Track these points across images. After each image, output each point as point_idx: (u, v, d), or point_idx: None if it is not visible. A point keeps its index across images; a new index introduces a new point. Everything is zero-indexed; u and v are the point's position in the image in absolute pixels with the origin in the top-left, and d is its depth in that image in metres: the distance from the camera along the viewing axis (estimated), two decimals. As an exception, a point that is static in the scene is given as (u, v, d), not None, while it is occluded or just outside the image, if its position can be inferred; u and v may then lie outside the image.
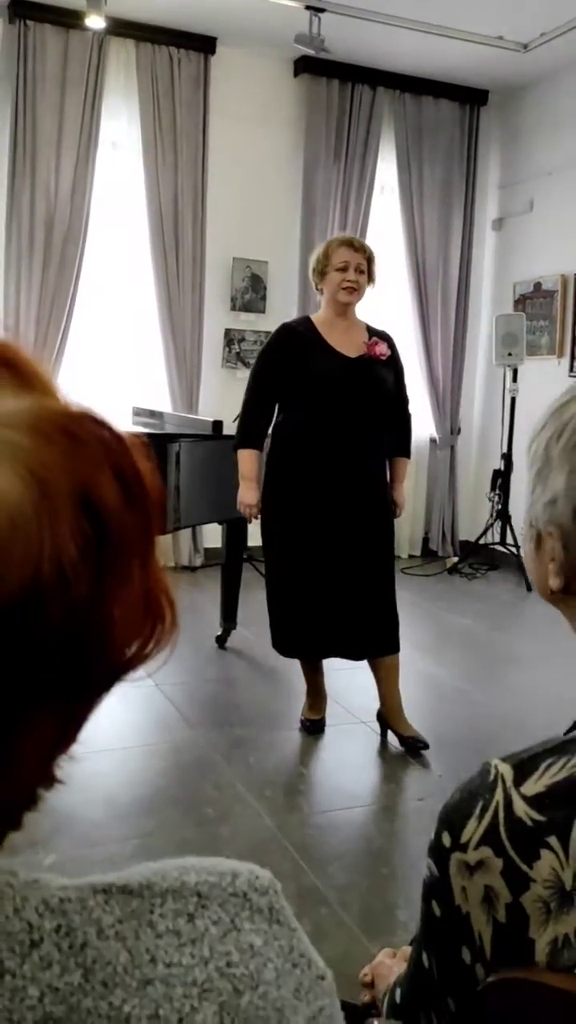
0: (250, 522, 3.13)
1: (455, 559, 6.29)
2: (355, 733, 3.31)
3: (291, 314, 6.03)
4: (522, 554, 0.80)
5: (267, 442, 3.17)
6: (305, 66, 5.81)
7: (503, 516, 6.00)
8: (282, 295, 6.05)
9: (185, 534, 5.78)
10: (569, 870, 0.61)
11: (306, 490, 3.00)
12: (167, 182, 5.58)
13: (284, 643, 3.17)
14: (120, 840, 2.42)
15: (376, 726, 3.30)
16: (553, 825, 0.63)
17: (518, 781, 0.66)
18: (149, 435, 3.58)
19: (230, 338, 6.00)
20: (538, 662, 4.19)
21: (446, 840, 0.68)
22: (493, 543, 6.10)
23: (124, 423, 4.49)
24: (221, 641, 4.21)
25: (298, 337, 3.04)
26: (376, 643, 3.10)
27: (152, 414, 4.54)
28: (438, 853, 0.68)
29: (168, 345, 5.71)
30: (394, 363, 3.13)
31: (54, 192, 5.31)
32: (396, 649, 3.12)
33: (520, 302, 6.30)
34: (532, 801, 0.64)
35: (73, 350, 5.50)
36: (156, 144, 5.54)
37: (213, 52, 5.62)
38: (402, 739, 3.14)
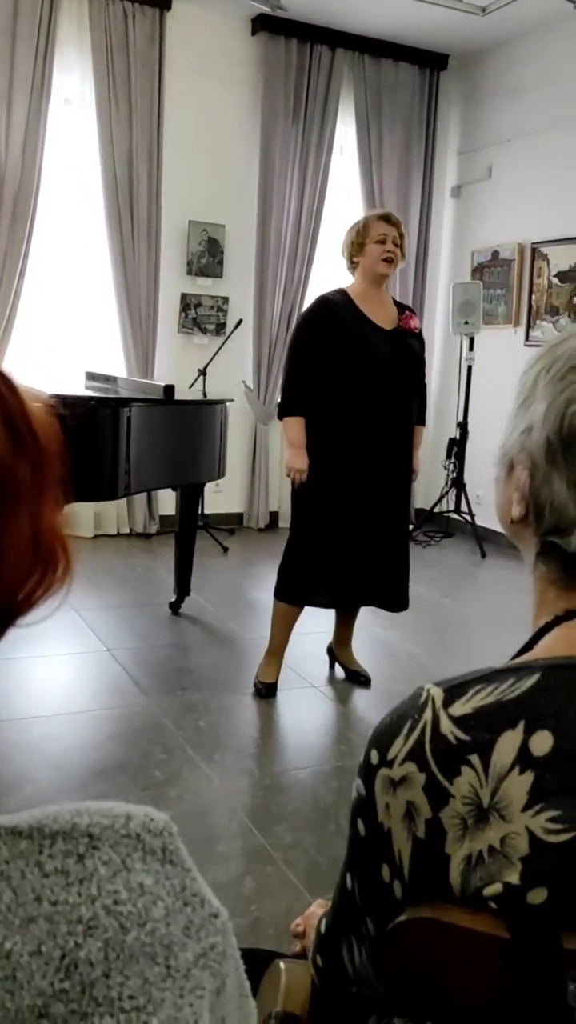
0: (296, 487, 3.22)
1: (410, 526, 6.34)
2: (307, 697, 3.35)
3: (248, 279, 6.00)
4: (494, 480, 0.82)
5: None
6: (263, 24, 5.70)
7: (458, 484, 6.05)
8: (240, 260, 5.98)
9: (140, 501, 5.74)
10: (487, 789, 0.63)
11: (346, 457, 3.11)
12: (121, 140, 5.46)
13: (296, 591, 3.26)
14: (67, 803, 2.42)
15: (329, 690, 3.39)
16: (476, 744, 0.65)
17: (447, 703, 0.67)
18: (98, 399, 3.54)
19: (186, 303, 5.93)
20: (489, 627, 4.25)
21: (374, 758, 0.70)
22: (448, 511, 6.16)
23: (76, 387, 4.41)
24: (175, 607, 4.21)
25: (337, 308, 3.11)
26: (397, 598, 3.31)
27: (106, 379, 4.48)
28: (366, 772, 0.70)
29: (123, 309, 5.63)
30: (419, 336, 3.27)
31: (4, 148, 5.17)
32: (407, 607, 3.35)
33: (478, 270, 6.31)
34: (458, 721, 0.66)
35: (25, 313, 5.39)
36: (110, 101, 5.41)
37: (168, 7, 5.49)
38: (349, 671, 3.51)
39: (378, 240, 3.09)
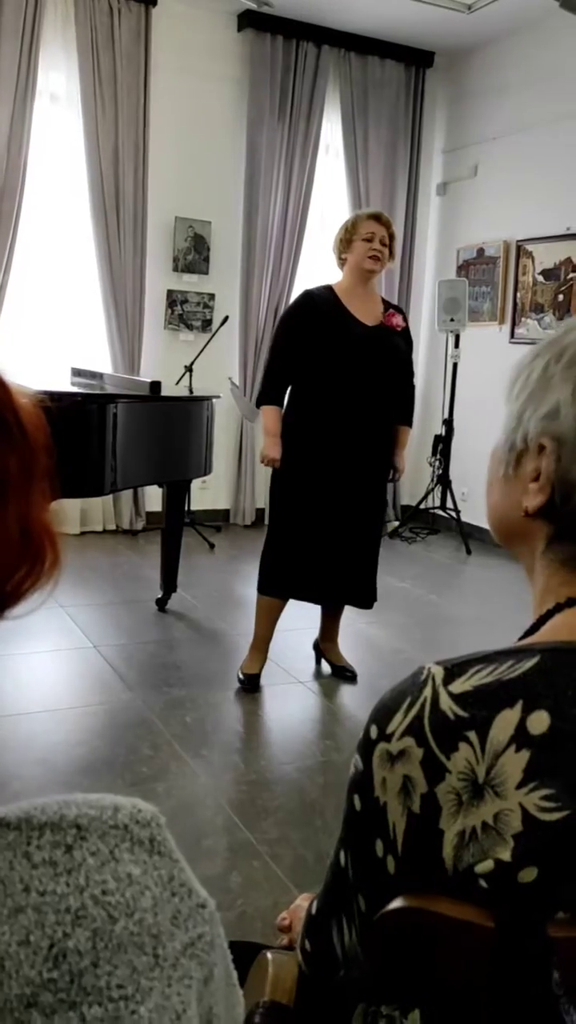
0: (273, 479, 3.30)
1: (396, 523, 6.36)
2: (293, 693, 3.36)
3: (235, 276, 5.99)
4: (489, 479, 0.82)
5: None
6: (249, 21, 5.69)
7: (444, 481, 6.07)
8: (226, 256, 5.97)
9: (126, 497, 5.73)
10: (483, 765, 0.64)
11: (320, 449, 3.15)
12: (107, 137, 5.44)
13: (274, 584, 3.30)
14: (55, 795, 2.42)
15: (315, 686, 3.41)
16: (474, 721, 0.65)
17: (447, 681, 0.68)
18: (85, 396, 3.53)
19: (172, 299, 5.92)
20: (474, 624, 4.28)
21: (373, 733, 0.70)
22: (434, 508, 6.18)
23: (62, 383, 4.40)
24: (161, 604, 4.21)
25: (320, 302, 3.15)
26: (363, 595, 3.37)
27: (92, 375, 4.47)
28: (365, 747, 0.71)
29: (109, 306, 5.61)
30: (405, 335, 3.29)
31: (-11, 144, 5.14)
32: (372, 604, 3.43)
33: (463, 268, 6.32)
34: (458, 698, 0.67)
35: (11, 310, 5.36)
36: (96, 98, 5.39)
37: (154, 3, 5.47)
38: (335, 667, 3.53)
39: (366, 238, 3.14)
